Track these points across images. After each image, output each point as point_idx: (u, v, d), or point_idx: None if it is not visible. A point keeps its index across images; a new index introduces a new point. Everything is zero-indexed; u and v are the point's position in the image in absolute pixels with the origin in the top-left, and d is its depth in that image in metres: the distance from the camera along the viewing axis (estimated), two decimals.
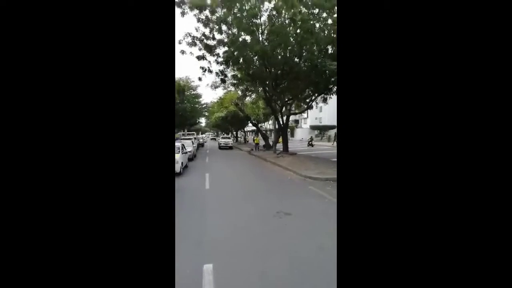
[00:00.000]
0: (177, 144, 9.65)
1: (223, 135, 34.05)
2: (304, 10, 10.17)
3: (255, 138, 21.03)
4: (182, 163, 8.73)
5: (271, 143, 18.14)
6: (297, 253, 2.95)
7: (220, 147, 22.11)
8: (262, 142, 19.33)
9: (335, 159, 10.57)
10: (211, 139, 43.74)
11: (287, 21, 10.99)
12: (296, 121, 41.12)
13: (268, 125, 29.47)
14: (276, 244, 3.22)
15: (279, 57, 11.84)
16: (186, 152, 10.21)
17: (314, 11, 10.30)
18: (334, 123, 30.27)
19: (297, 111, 18.75)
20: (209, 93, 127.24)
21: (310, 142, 22.68)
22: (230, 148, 21.94)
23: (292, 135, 34.78)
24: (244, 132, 37.19)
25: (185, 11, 10.91)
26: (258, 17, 11.47)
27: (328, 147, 20.32)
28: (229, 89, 21.38)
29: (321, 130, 35.90)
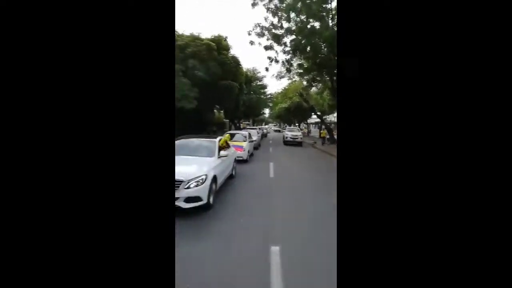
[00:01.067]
0: (245, 132, 10.30)
1: (286, 126, 33.02)
2: None
3: (321, 131, 19.95)
4: (248, 151, 9.18)
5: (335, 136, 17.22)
6: None
7: (286, 142, 16.96)
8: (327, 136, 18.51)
9: None
10: (275, 130, 43.91)
11: None
12: None
13: (333, 117, 28.03)
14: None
15: None
16: (252, 141, 10.70)
17: None
18: None
19: None
20: (273, 83, 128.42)
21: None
22: (299, 144, 16.83)
23: None
24: (307, 124, 36.34)
25: (256, 1, 11.19)
26: (329, 1, 10.83)
27: None
28: (294, 79, 21.01)
29: None
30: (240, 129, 21.79)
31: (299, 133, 18.09)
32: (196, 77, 12.87)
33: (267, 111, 48.95)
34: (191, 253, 2.56)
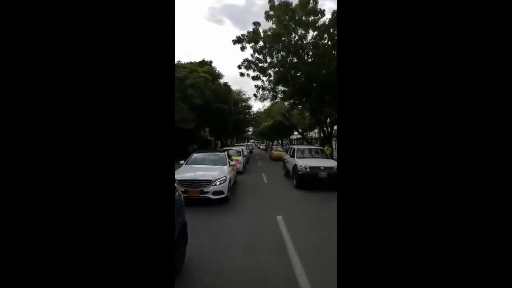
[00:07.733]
0: (239, 148, 12.81)
1: (271, 144, 33.48)
2: None
3: (326, 148, 19.57)
4: (243, 163, 11.33)
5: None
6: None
7: (301, 182, 7.34)
8: None
9: None
10: (262, 149, 41.07)
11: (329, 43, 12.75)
12: None
13: (314, 133, 30.70)
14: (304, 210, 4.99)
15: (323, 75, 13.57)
16: (245, 156, 12.79)
17: None
18: None
19: None
20: (257, 103, 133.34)
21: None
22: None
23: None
24: (290, 140, 38.86)
25: (244, 45, 13.89)
26: (305, 43, 13.49)
27: None
28: (276, 100, 23.42)
29: None
30: (227, 145, 23.80)
31: (331, 163, 7.72)
32: (193, 103, 15.13)
33: (250, 128, 51.45)
34: (220, 222, 4.39)
